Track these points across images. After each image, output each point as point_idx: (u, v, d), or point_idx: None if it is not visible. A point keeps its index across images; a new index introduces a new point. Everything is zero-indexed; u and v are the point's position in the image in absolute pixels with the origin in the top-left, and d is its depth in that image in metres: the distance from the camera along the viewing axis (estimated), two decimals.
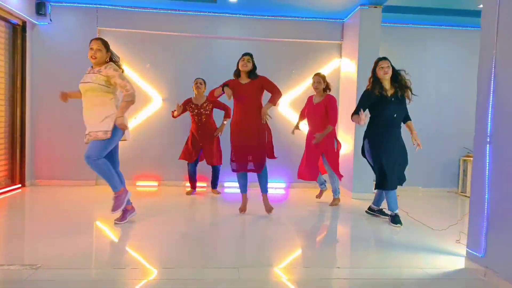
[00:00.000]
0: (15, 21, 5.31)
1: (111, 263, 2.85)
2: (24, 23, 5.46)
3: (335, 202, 4.94)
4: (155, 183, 6.02)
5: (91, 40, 3.73)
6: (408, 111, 6.16)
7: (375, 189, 4.22)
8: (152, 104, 6.01)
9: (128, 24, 5.86)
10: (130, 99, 3.65)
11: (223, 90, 4.13)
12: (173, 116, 5.23)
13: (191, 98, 5.26)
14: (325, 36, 6.18)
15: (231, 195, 5.54)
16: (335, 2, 5.42)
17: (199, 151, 5.27)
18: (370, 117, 4.06)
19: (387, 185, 3.98)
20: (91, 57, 3.65)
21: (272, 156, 4.29)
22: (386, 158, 3.96)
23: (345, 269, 2.85)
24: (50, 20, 5.67)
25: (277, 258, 3.09)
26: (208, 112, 5.18)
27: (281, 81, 5.49)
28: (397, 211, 4.13)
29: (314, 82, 4.86)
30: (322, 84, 4.82)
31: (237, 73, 4.25)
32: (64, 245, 3.17)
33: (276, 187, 6.09)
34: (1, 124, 5.20)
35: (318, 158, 4.90)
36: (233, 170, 4.28)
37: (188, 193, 5.41)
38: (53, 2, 5.64)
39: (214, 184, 5.54)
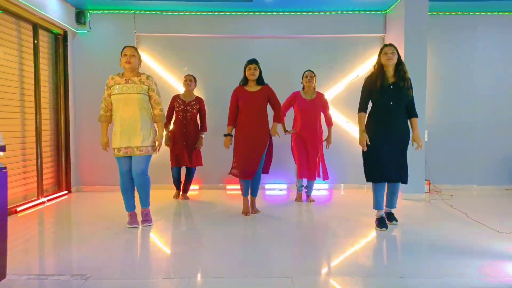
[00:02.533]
0: (56, 31, 5.41)
1: (160, 272, 2.76)
2: (65, 32, 5.56)
3: (303, 199, 5.11)
4: (196, 187, 5.97)
5: (124, 47, 3.73)
6: (460, 104, 5.90)
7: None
8: None
9: (165, 28, 5.84)
10: (164, 120, 3.83)
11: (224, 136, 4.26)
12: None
13: (178, 94, 5.13)
14: (366, 29, 5.91)
15: (270, 197, 5.41)
16: None
17: (184, 152, 5.00)
18: (370, 107, 3.83)
19: (366, 175, 3.78)
20: (126, 62, 3.62)
21: (266, 170, 4.34)
22: (372, 146, 3.68)
23: (409, 279, 2.61)
24: (90, 28, 5.75)
25: (331, 267, 2.90)
26: (194, 111, 5.04)
27: (321, 79, 5.30)
28: (381, 212, 3.82)
29: (307, 77, 4.85)
30: (314, 81, 4.86)
31: (245, 81, 4.25)
32: (112, 253, 3.14)
33: (319, 189, 5.88)
34: (47, 132, 5.31)
35: (317, 157, 4.89)
36: (236, 176, 4.25)
37: (176, 197, 5.25)
38: (92, 10, 5.71)
39: (186, 188, 5.25)
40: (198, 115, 5.14)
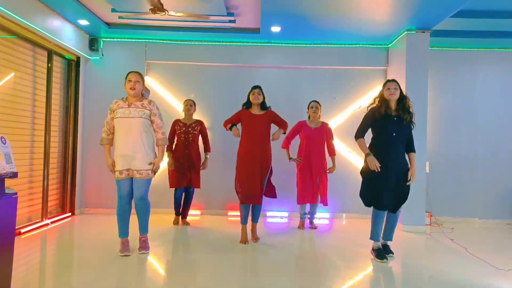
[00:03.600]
0: (70, 56, 5.62)
1: None
2: (78, 58, 5.77)
3: (306, 225, 5.24)
4: (198, 212, 6.02)
5: (129, 73, 3.81)
6: (460, 137, 5.97)
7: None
8: None
9: (175, 57, 6.04)
10: (166, 143, 3.87)
11: (230, 129, 4.29)
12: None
13: (179, 119, 5.23)
14: (369, 62, 6.07)
15: (271, 224, 5.44)
16: (379, 28, 5.32)
17: (186, 173, 5.07)
18: (372, 137, 3.91)
19: (365, 201, 3.84)
20: (131, 88, 3.71)
21: (274, 195, 4.40)
22: (373, 175, 3.74)
23: None
24: (102, 55, 5.95)
25: None
26: (195, 132, 5.15)
27: (324, 109, 5.42)
28: (378, 243, 3.85)
29: (312, 108, 5.09)
30: (319, 111, 5.12)
31: (248, 105, 4.37)
32: (109, 278, 3.19)
33: (320, 217, 5.90)
34: (55, 154, 5.44)
35: (316, 182, 5.06)
36: (242, 202, 4.26)
37: (175, 223, 5.23)
38: (105, 38, 5.93)
39: (185, 213, 5.29)
40: (200, 137, 5.25)
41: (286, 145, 5.21)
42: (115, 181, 3.80)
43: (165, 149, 3.90)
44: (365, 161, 3.84)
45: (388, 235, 3.96)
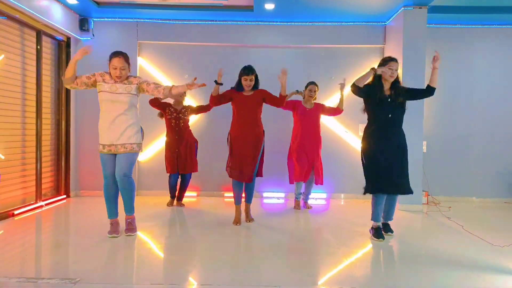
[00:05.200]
0: (60, 37, 5.51)
1: (148, 278, 2.77)
2: (68, 39, 5.65)
3: (301, 205, 5.18)
4: (194, 194, 5.99)
5: (114, 57, 3.57)
6: (458, 116, 5.90)
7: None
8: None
9: (167, 36, 5.92)
10: (173, 88, 3.67)
11: (217, 83, 4.16)
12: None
13: (170, 103, 5.13)
14: (366, 40, 5.95)
15: (267, 205, 5.42)
16: (376, 4, 5.19)
17: (177, 158, 5.02)
18: (367, 119, 3.87)
19: (366, 186, 3.78)
20: (117, 76, 3.55)
21: (260, 173, 4.33)
22: (371, 157, 3.71)
23: None
24: (93, 35, 5.83)
25: (321, 277, 2.90)
26: (186, 117, 5.08)
27: (320, 88, 5.32)
28: (378, 223, 3.81)
29: (311, 91, 5.01)
30: (316, 94, 5.06)
31: (239, 88, 4.24)
32: (103, 258, 3.17)
33: (317, 198, 5.87)
34: (47, 137, 5.37)
35: (315, 162, 5.03)
36: (230, 176, 4.21)
37: (169, 204, 5.20)
38: (96, 17, 5.80)
39: (181, 195, 5.24)
40: (189, 120, 5.17)
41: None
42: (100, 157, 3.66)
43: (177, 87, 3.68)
44: (363, 142, 3.83)
45: (388, 215, 3.93)
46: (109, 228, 3.73)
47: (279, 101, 4.23)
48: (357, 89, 3.75)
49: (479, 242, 3.69)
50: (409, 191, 3.78)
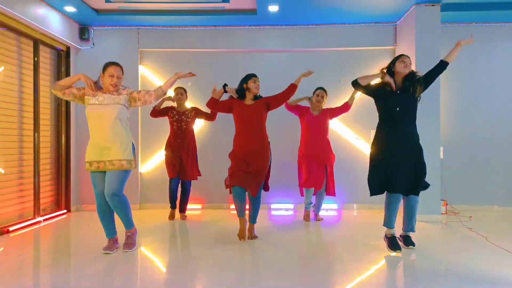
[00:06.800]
0: (59, 47, 5.37)
1: None
2: (68, 48, 5.51)
3: (312, 218, 4.91)
4: (199, 206, 5.75)
5: (111, 65, 3.43)
6: (477, 120, 5.55)
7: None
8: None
9: (169, 43, 5.75)
10: (163, 88, 3.55)
11: (224, 89, 3.92)
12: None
13: (173, 106, 4.94)
14: (375, 42, 5.69)
15: (276, 217, 5.13)
16: (386, 2, 4.93)
17: (179, 162, 4.80)
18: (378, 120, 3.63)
19: (371, 188, 3.52)
20: (112, 84, 3.38)
21: (266, 188, 4.02)
22: (377, 155, 3.49)
23: None
24: (93, 44, 5.69)
25: None
26: (189, 120, 4.86)
27: (329, 93, 5.07)
28: (392, 231, 3.50)
29: (318, 96, 4.78)
30: (324, 100, 4.83)
31: (243, 94, 3.94)
32: (102, 276, 2.97)
33: (328, 209, 5.57)
34: (47, 150, 5.21)
35: (325, 171, 4.77)
36: (228, 186, 3.85)
37: (171, 218, 4.92)
38: (96, 26, 5.66)
39: (183, 206, 4.98)
40: (197, 122, 5.01)
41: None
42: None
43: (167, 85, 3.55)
44: (373, 142, 3.57)
45: (408, 225, 3.58)
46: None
47: (284, 94, 3.96)
48: (357, 85, 3.57)
49: (505, 255, 3.36)
50: (426, 186, 3.50)
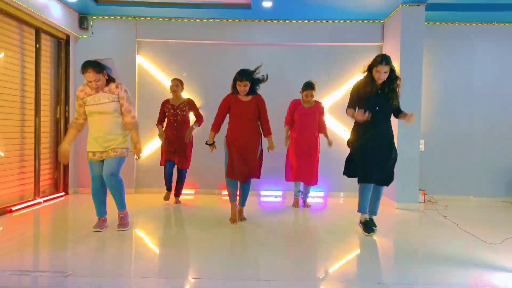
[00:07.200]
0: (59, 35, 5.54)
1: (140, 272, 2.79)
2: (67, 37, 5.68)
3: (300, 204, 5.19)
4: (192, 191, 6.01)
5: (84, 73, 3.58)
6: (456, 114, 5.87)
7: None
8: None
9: (166, 34, 5.95)
10: (137, 128, 3.78)
11: (210, 144, 4.22)
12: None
13: (168, 99, 5.16)
14: (364, 38, 5.95)
15: (265, 203, 5.42)
16: (375, 2, 5.18)
17: (174, 151, 5.06)
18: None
19: (359, 176, 3.79)
20: (95, 89, 3.62)
21: (258, 175, 4.27)
22: (359, 148, 3.76)
23: (387, 285, 2.61)
24: (92, 33, 5.86)
25: (313, 271, 2.91)
26: (184, 113, 5.08)
27: (318, 86, 5.32)
28: (366, 216, 3.82)
29: (307, 97, 4.98)
30: (313, 95, 5.01)
31: (235, 91, 4.19)
32: (96, 253, 3.21)
33: (314, 196, 5.87)
34: (46, 135, 5.41)
35: (315, 162, 5.04)
36: (227, 176, 4.15)
37: (166, 199, 5.17)
38: (95, 16, 5.83)
39: (178, 191, 5.25)
40: (191, 115, 5.19)
41: (289, 122, 5.13)
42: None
43: (138, 132, 3.78)
44: (352, 132, 3.87)
45: (373, 209, 3.91)
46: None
47: (264, 130, 4.23)
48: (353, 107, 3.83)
49: (473, 240, 3.68)
50: (387, 183, 3.82)
